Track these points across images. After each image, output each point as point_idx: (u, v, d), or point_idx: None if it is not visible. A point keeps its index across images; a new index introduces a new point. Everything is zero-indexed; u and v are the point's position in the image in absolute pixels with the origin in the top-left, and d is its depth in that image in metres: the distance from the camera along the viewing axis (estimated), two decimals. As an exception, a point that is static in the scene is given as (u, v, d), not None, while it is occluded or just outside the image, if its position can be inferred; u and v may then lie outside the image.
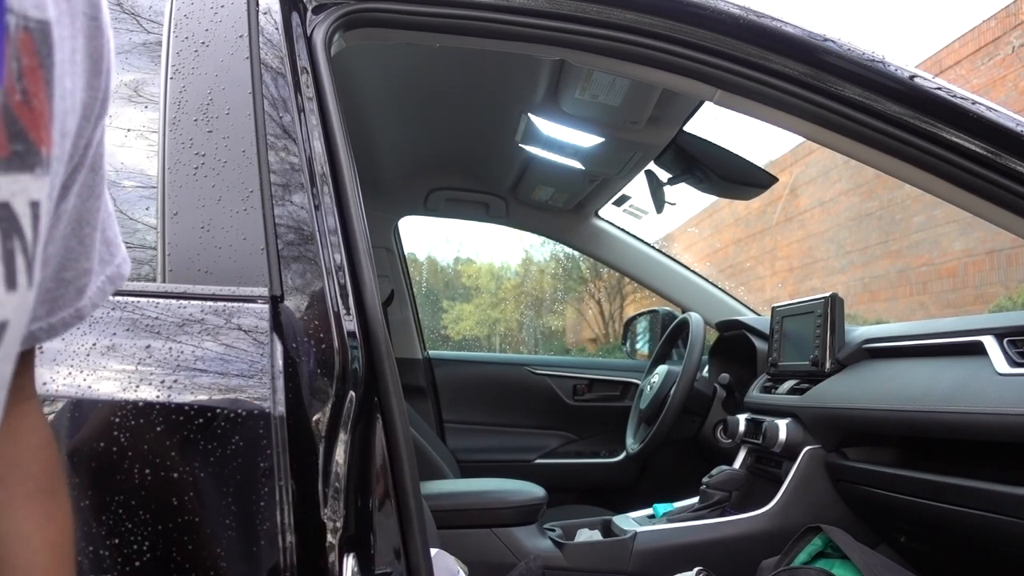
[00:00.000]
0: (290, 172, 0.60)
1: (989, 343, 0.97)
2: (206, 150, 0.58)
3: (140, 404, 0.48)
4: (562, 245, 2.41)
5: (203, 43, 0.63)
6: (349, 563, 0.50)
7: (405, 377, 1.66)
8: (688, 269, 2.09)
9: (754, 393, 1.57)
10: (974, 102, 0.76)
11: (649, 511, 1.52)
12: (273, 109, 0.61)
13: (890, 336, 1.26)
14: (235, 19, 0.64)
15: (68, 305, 0.34)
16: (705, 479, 1.47)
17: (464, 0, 0.76)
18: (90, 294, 0.35)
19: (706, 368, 1.94)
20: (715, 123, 1.77)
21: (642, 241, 2.12)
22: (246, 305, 0.53)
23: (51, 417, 0.49)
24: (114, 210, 0.55)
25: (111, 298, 0.53)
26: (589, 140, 1.68)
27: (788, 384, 1.44)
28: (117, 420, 0.48)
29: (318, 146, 0.63)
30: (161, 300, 0.52)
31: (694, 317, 1.80)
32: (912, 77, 0.77)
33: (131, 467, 0.47)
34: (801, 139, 0.97)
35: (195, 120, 0.59)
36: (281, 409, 0.50)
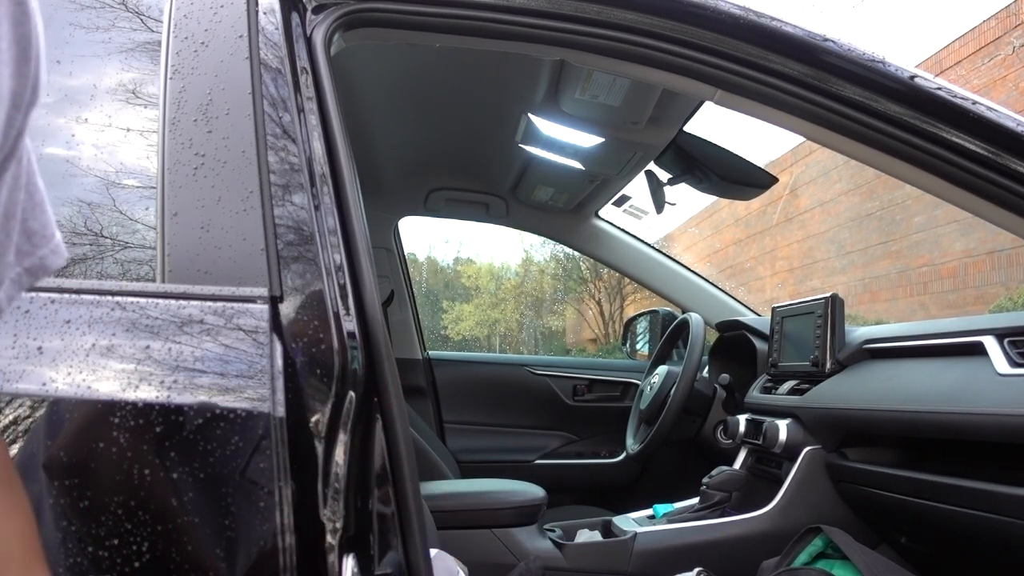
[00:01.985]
0: (290, 172, 0.59)
1: (989, 343, 0.97)
2: (206, 150, 0.58)
3: (139, 404, 0.48)
4: (562, 245, 2.42)
5: (203, 43, 0.62)
6: (349, 564, 0.50)
7: (405, 377, 1.66)
8: (688, 269, 2.09)
9: (754, 394, 1.57)
10: (974, 102, 0.76)
11: (649, 512, 1.52)
12: (273, 109, 0.61)
13: (890, 336, 1.26)
14: (235, 19, 0.64)
15: None
16: (705, 479, 1.47)
17: (464, 0, 0.76)
18: (5, 287, 0.35)
19: (706, 368, 1.94)
20: (715, 123, 1.77)
21: (642, 241, 2.12)
22: (246, 305, 0.53)
23: (50, 418, 0.49)
24: (119, 208, 0.55)
25: (111, 298, 0.53)
26: (589, 140, 1.68)
27: (788, 384, 1.44)
28: (116, 420, 0.48)
29: (318, 146, 0.63)
30: (161, 300, 0.52)
31: (694, 317, 1.80)
32: (912, 77, 0.77)
33: (130, 467, 0.47)
34: (801, 139, 0.97)
35: (195, 120, 0.59)
36: (281, 409, 0.50)
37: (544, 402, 2.19)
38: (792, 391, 1.40)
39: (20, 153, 0.33)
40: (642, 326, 2.33)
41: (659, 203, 1.85)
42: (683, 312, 1.97)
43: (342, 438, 0.53)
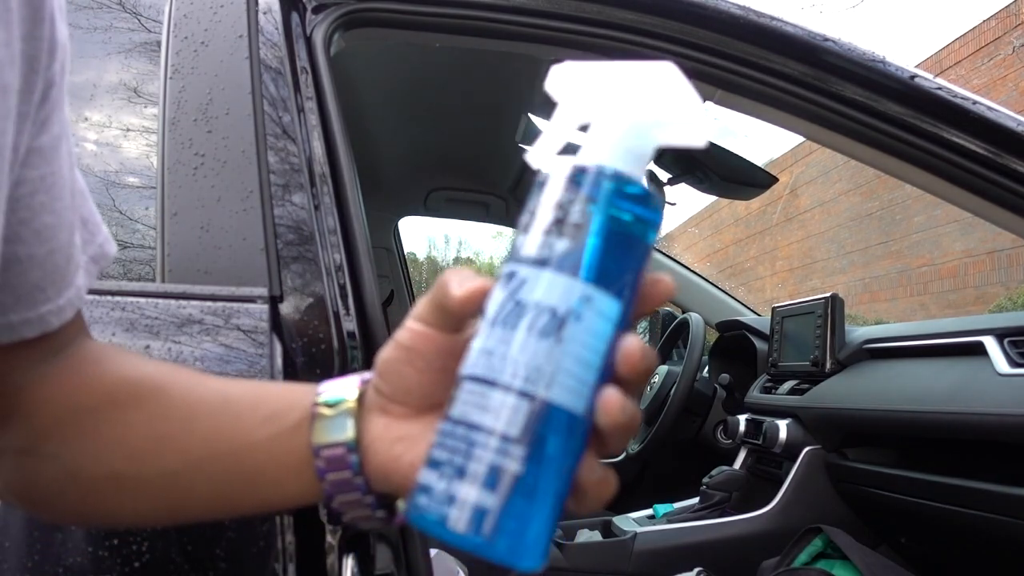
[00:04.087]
0: (290, 172, 0.59)
1: (989, 343, 0.97)
2: (205, 150, 0.58)
3: (139, 404, 0.48)
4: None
5: (202, 43, 0.62)
6: (349, 564, 0.50)
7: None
8: (688, 269, 2.09)
9: (754, 393, 1.57)
10: (975, 102, 0.76)
11: (649, 511, 1.52)
12: (273, 109, 0.61)
13: (890, 336, 1.26)
14: (234, 19, 0.64)
15: (71, 284, 0.34)
16: (705, 479, 1.48)
17: (464, 0, 0.76)
18: (80, 277, 0.35)
19: (706, 368, 1.94)
20: (715, 123, 1.78)
21: (642, 241, 2.12)
22: (245, 305, 0.53)
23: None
24: (119, 208, 0.55)
25: (111, 298, 0.53)
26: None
27: (788, 384, 1.44)
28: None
29: (318, 146, 0.63)
30: (160, 300, 0.52)
31: (694, 317, 1.80)
32: (912, 77, 0.77)
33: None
34: (801, 139, 0.97)
35: (194, 120, 0.59)
36: (280, 409, 0.50)
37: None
38: (792, 391, 1.41)
39: (68, 129, 0.32)
40: (642, 326, 2.33)
41: (659, 203, 1.85)
42: (683, 312, 1.97)
43: (342, 438, 0.53)
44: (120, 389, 0.36)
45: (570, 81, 0.30)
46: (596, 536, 1.46)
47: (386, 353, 0.33)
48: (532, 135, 1.69)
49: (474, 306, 0.29)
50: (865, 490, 1.19)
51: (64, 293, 0.34)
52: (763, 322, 1.73)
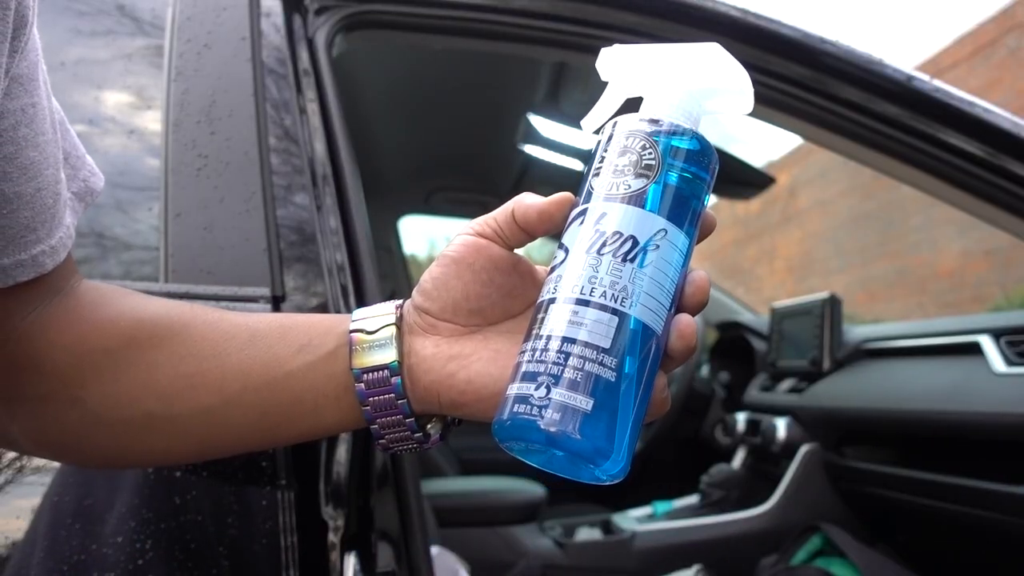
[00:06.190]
0: (292, 173, 0.60)
1: (986, 343, 0.98)
2: (209, 151, 0.59)
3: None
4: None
5: (205, 45, 0.63)
6: (350, 562, 0.51)
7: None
8: (687, 269, 2.09)
9: (753, 392, 1.57)
10: (972, 103, 0.76)
11: (649, 510, 1.52)
12: (275, 111, 0.62)
13: (888, 336, 1.27)
14: (237, 22, 0.64)
15: (61, 223, 0.34)
16: (703, 478, 1.48)
17: (465, 2, 0.76)
18: (67, 217, 0.34)
19: (705, 368, 1.95)
20: (715, 123, 1.78)
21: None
22: (248, 305, 0.53)
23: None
24: (123, 209, 0.55)
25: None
26: (589, 140, 1.68)
27: (787, 383, 1.45)
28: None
29: (320, 147, 0.63)
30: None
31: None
32: (910, 79, 0.77)
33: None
34: (800, 140, 0.97)
35: (198, 122, 0.59)
36: (283, 408, 0.50)
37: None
38: (790, 390, 1.41)
39: (40, 56, 0.32)
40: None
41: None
42: (682, 312, 1.98)
43: (344, 436, 0.53)
44: (138, 330, 0.35)
45: (624, 58, 0.34)
46: (596, 534, 1.46)
47: (431, 272, 0.33)
48: (532, 135, 1.69)
49: (552, 219, 0.31)
50: (862, 488, 1.20)
51: (55, 233, 0.33)
52: (762, 322, 1.74)
